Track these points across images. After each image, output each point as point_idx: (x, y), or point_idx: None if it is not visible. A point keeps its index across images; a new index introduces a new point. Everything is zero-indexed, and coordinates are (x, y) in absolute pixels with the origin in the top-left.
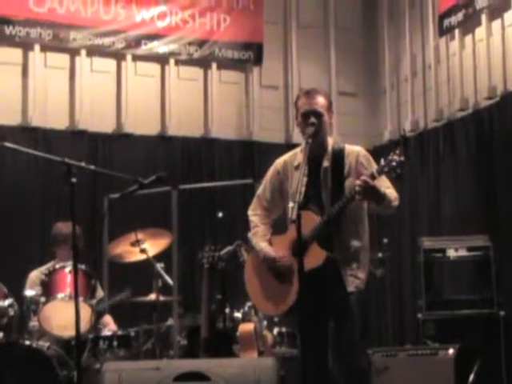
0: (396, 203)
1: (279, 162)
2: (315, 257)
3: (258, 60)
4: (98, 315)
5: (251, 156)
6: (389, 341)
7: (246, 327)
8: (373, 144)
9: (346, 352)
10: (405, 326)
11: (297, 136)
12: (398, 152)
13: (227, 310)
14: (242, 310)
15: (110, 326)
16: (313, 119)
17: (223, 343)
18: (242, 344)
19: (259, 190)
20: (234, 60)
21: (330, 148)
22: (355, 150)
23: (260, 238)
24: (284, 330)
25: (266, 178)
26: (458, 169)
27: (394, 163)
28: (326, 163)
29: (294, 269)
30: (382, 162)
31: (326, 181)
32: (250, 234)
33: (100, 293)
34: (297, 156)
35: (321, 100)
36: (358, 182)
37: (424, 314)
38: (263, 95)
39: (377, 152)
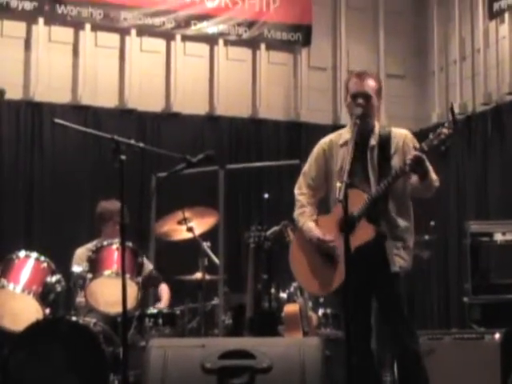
0: (437, 184)
1: (324, 141)
2: (365, 231)
3: (306, 41)
4: (153, 284)
5: (298, 137)
6: (434, 324)
7: (292, 308)
8: (420, 127)
9: (400, 335)
10: (450, 310)
11: (344, 117)
12: (446, 125)
13: (273, 290)
14: (287, 291)
15: (164, 297)
16: (361, 100)
17: (268, 323)
18: (286, 324)
19: (305, 168)
20: (282, 41)
21: (377, 130)
22: (402, 133)
23: (307, 218)
24: (329, 311)
25: (312, 156)
26: (505, 152)
27: (442, 136)
28: (372, 142)
29: (340, 249)
30: (431, 135)
31: (372, 159)
32: (295, 214)
33: (149, 266)
34: (342, 135)
35: (371, 83)
36: (410, 156)
37: (470, 297)
38: (311, 76)
39: (423, 135)
